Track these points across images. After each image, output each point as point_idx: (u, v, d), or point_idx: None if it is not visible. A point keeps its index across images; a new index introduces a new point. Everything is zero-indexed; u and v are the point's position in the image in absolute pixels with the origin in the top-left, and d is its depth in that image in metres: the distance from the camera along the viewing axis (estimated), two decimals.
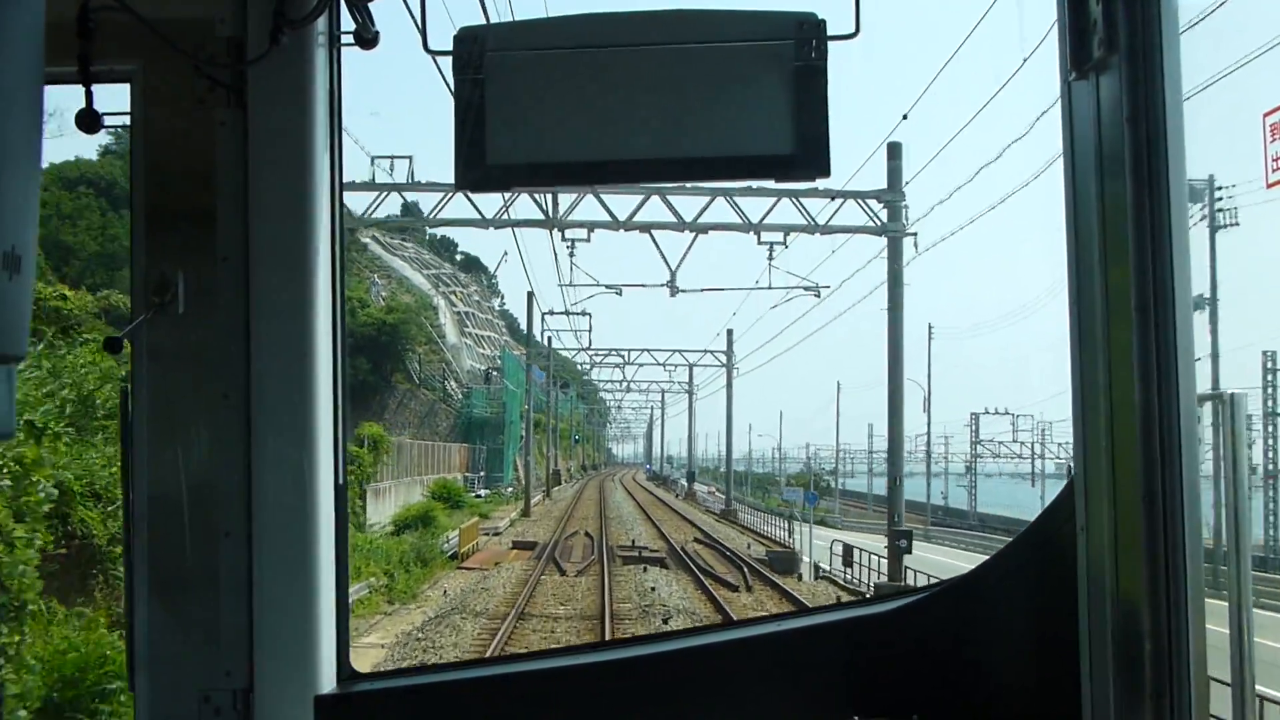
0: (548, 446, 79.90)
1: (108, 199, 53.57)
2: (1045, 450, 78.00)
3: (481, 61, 2.42)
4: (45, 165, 1.38)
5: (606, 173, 2.60)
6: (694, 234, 26.46)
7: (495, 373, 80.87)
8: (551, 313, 60.35)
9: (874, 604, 2.99)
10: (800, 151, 2.43)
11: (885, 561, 26.87)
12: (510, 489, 68.63)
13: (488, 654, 16.88)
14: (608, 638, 18.28)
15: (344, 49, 2.67)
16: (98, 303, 34.08)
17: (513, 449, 72.11)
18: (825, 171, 2.43)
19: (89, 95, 2.14)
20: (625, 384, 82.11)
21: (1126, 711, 2.21)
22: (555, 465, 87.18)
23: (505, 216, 26.26)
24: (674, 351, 76.45)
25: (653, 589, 25.11)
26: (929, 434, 76.83)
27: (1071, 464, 2.47)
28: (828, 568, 33.52)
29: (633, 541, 37.12)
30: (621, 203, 26.41)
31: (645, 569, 29.11)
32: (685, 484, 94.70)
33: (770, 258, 27.57)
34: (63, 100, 2.43)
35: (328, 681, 2.59)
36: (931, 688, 2.66)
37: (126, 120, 2.64)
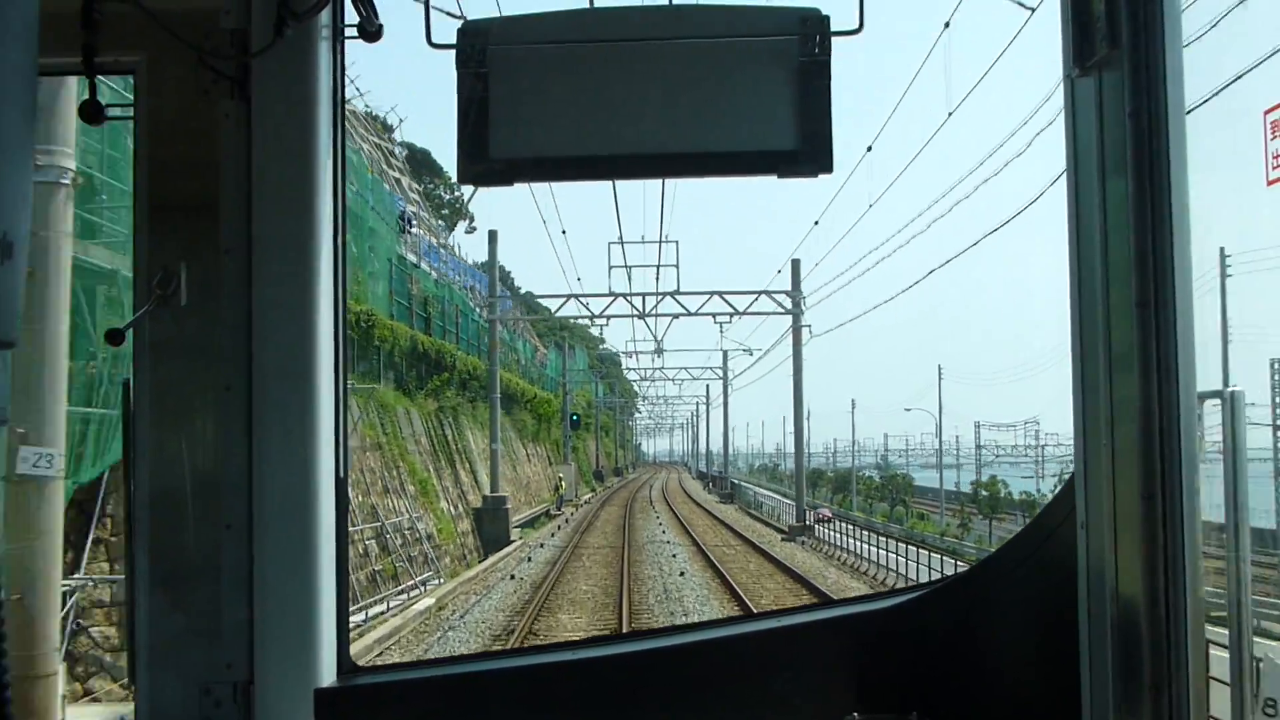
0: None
1: None
2: None
3: (485, 55, 2.43)
4: None
5: (610, 168, 2.61)
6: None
7: None
8: None
9: (876, 599, 2.99)
10: (803, 147, 2.43)
11: None
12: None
13: None
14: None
15: (348, 42, 2.68)
16: None
17: None
18: (828, 167, 2.43)
19: (93, 87, 2.14)
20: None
21: (1126, 705, 2.22)
22: (496, 486, 36.66)
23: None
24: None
25: None
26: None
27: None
28: None
29: None
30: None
31: None
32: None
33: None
34: None
35: (328, 674, 2.60)
36: (932, 683, 2.66)
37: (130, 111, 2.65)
